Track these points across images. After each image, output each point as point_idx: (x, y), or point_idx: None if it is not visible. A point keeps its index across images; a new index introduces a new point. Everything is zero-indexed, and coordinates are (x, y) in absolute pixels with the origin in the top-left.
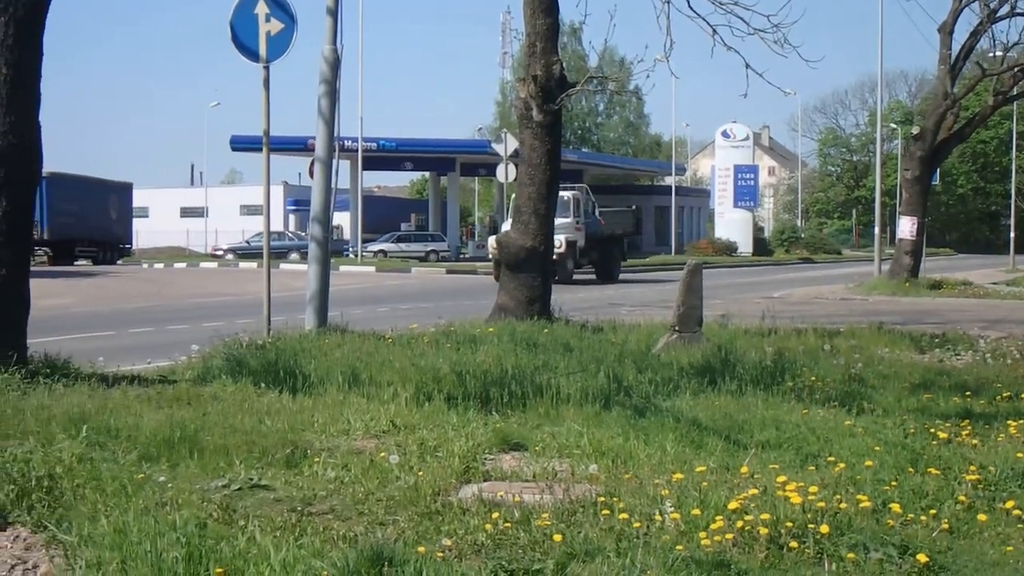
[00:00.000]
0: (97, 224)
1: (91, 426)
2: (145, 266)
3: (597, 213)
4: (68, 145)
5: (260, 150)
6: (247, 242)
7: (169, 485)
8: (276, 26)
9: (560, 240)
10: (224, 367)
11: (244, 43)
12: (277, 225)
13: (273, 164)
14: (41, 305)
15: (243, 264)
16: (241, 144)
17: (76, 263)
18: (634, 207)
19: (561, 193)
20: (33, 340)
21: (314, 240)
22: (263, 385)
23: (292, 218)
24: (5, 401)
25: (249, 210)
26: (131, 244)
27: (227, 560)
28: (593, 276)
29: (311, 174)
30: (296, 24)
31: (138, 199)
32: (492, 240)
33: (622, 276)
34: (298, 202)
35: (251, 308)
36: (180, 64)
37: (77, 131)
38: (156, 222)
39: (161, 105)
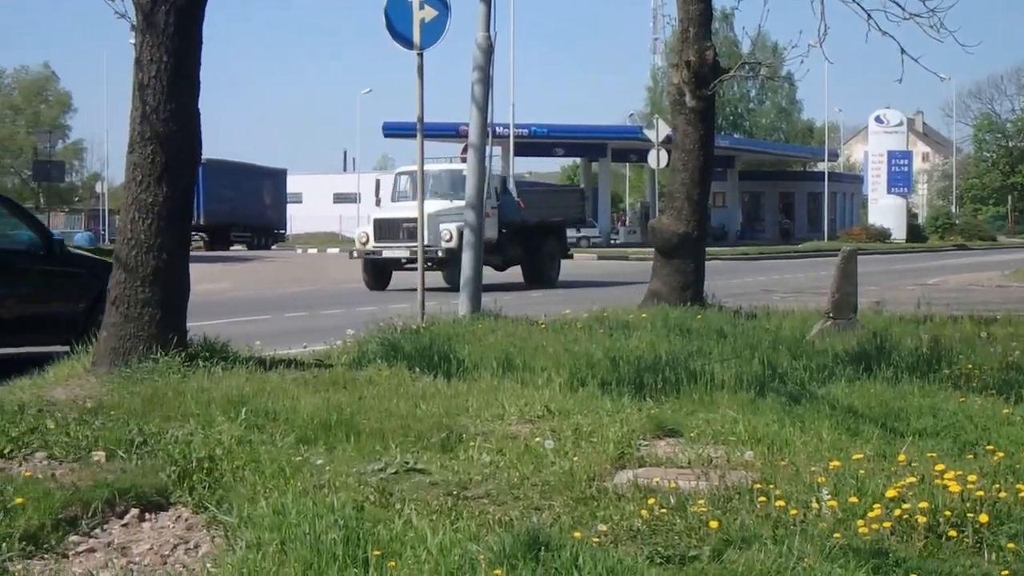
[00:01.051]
0: (252, 210)
1: (250, 409)
2: (299, 251)
3: (515, 193)
4: (225, 132)
5: (412, 136)
6: None
7: (327, 468)
8: (430, 13)
9: (449, 231)
10: (379, 351)
11: (398, 30)
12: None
13: (425, 150)
14: (198, 289)
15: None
16: (393, 130)
17: (231, 248)
18: (583, 186)
19: (457, 167)
20: (192, 323)
21: (468, 226)
22: (418, 370)
23: None
24: (166, 384)
25: (400, 196)
26: (285, 229)
27: (384, 543)
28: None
29: (463, 160)
30: (449, 11)
31: (292, 185)
32: (445, 230)
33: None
34: None
35: (404, 293)
36: (333, 51)
37: (234, 118)
38: (310, 208)
39: (315, 92)
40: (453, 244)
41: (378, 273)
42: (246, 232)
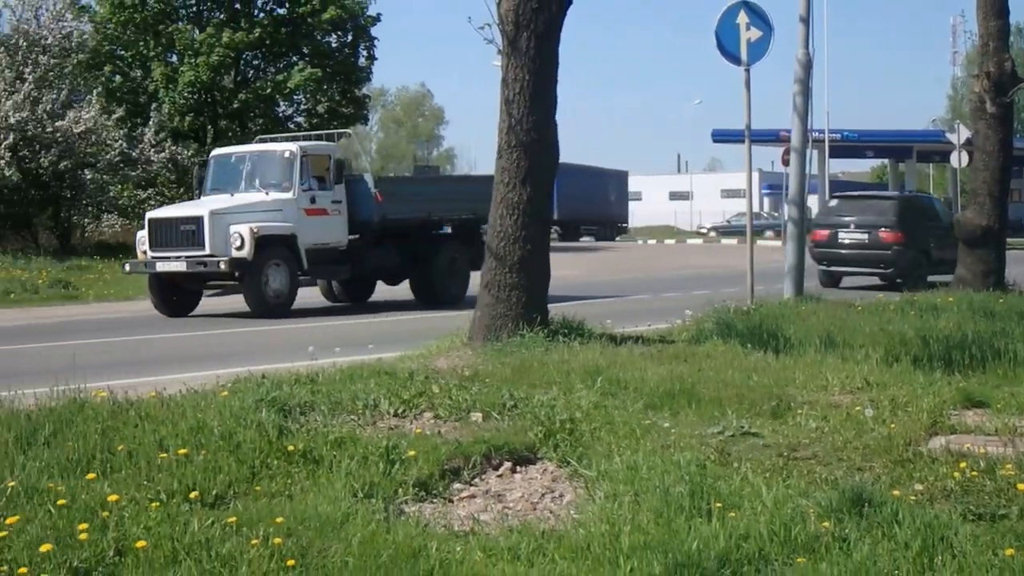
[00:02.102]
0: (599, 206)
1: (604, 378)
2: (639, 242)
3: (372, 185)
4: (577, 138)
5: (737, 141)
6: (727, 221)
7: (672, 430)
8: (755, 34)
9: (239, 235)
10: (714, 329)
11: (728, 49)
12: (754, 207)
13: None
14: (556, 275)
15: (724, 241)
16: (721, 136)
17: (581, 239)
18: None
19: (273, 147)
20: (552, 304)
21: (791, 220)
22: (748, 346)
23: (766, 200)
24: (532, 355)
25: (728, 193)
26: (627, 223)
27: (724, 496)
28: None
29: (784, 162)
30: (773, 31)
31: (633, 184)
32: (235, 233)
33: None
34: (771, 186)
35: (733, 279)
36: (667, 66)
37: (584, 126)
38: (648, 204)
39: (651, 102)
40: (245, 252)
41: (166, 293)
42: (594, 226)
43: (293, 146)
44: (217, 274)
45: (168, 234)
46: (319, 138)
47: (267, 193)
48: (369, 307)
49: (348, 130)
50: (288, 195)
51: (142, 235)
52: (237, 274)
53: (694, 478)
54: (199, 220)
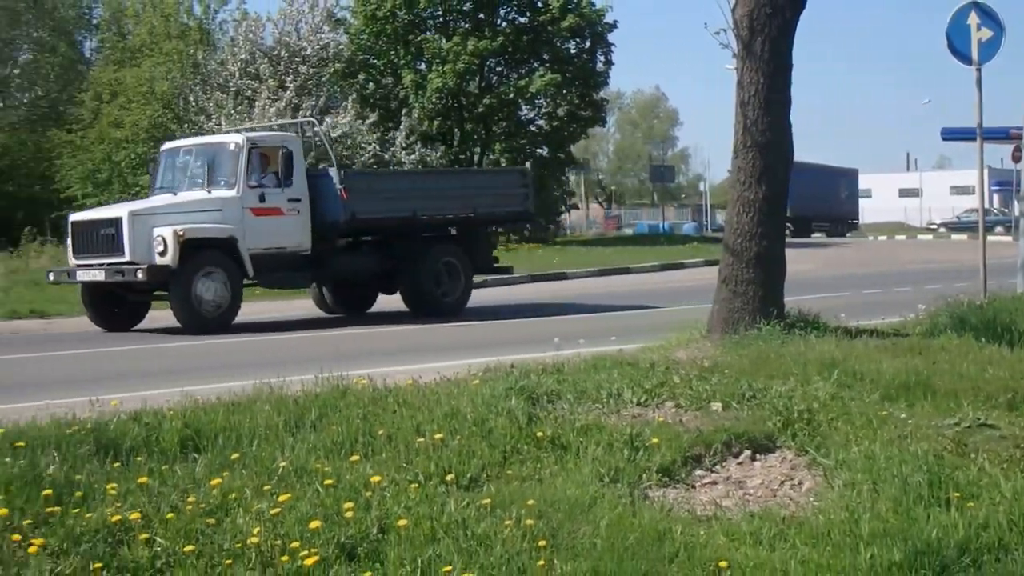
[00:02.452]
0: (830, 203)
1: (840, 370)
2: (870, 238)
3: (338, 180)
4: (810, 138)
5: (966, 139)
6: (957, 217)
7: (908, 421)
8: (986, 34)
9: (163, 238)
10: (948, 323)
11: (958, 49)
12: (984, 203)
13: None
14: (790, 270)
15: (954, 236)
16: (951, 135)
17: (812, 236)
18: (527, 166)
19: (220, 139)
20: (787, 298)
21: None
22: (983, 339)
23: (996, 197)
24: (768, 348)
25: (958, 190)
26: (858, 220)
27: (962, 486)
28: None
29: (1014, 159)
30: (1004, 32)
31: (863, 182)
32: (158, 237)
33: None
34: (1000, 183)
35: (964, 273)
36: (896, 65)
37: (818, 127)
38: (877, 201)
39: (881, 103)
40: (169, 259)
41: (101, 304)
42: (824, 222)
43: (239, 137)
44: (139, 284)
45: (89, 239)
46: (282, 128)
47: (210, 191)
48: (367, 318)
49: (311, 119)
50: (231, 193)
51: (69, 241)
52: (157, 284)
53: (931, 468)
54: (117, 222)
